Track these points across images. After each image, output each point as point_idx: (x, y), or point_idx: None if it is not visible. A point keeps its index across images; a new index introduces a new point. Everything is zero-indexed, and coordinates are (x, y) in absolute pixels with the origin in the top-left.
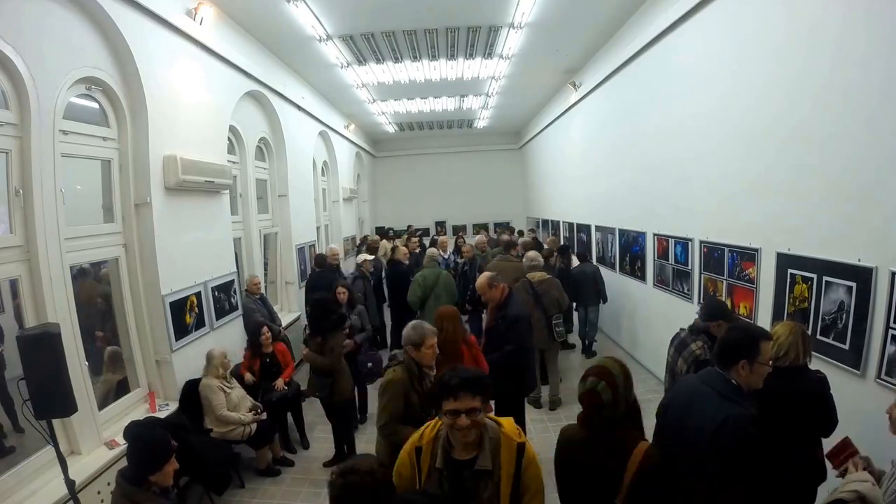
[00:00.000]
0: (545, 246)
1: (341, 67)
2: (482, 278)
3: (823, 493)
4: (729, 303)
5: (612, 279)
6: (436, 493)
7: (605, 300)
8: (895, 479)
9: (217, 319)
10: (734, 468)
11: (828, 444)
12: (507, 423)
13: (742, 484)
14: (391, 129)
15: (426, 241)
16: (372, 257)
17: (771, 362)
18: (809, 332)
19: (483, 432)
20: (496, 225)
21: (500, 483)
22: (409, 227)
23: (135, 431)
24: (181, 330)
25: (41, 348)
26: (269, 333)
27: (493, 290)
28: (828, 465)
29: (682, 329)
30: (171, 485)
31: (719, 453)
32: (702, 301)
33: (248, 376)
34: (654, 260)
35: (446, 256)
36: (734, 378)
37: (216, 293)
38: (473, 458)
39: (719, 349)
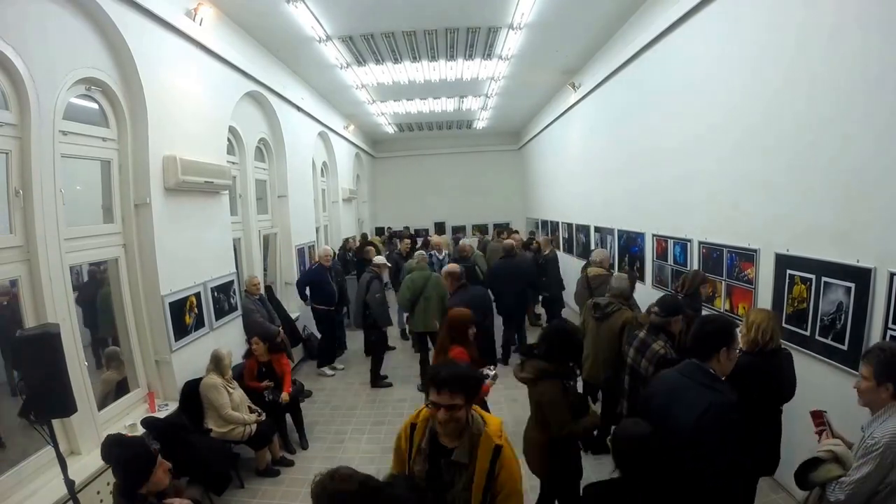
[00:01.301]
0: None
1: (341, 68)
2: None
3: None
4: (728, 303)
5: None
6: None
7: None
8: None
9: (217, 320)
10: (719, 448)
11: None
12: (494, 423)
13: (726, 460)
14: (391, 129)
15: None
16: (390, 265)
17: (756, 346)
18: (808, 332)
19: (466, 426)
20: (495, 225)
21: (475, 478)
22: (388, 228)
23: (109, 452)
24: (181, 330)
25: (41, 348)
26: (261, 343)
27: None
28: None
29: (636, 331)
30: (167, 484)
31: (705, 436)
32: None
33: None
34: (654, 260)
35: (441, 257)
36: (712, 367)
37: (216, 293)
38: (454, 448)
39: (698, 341)
